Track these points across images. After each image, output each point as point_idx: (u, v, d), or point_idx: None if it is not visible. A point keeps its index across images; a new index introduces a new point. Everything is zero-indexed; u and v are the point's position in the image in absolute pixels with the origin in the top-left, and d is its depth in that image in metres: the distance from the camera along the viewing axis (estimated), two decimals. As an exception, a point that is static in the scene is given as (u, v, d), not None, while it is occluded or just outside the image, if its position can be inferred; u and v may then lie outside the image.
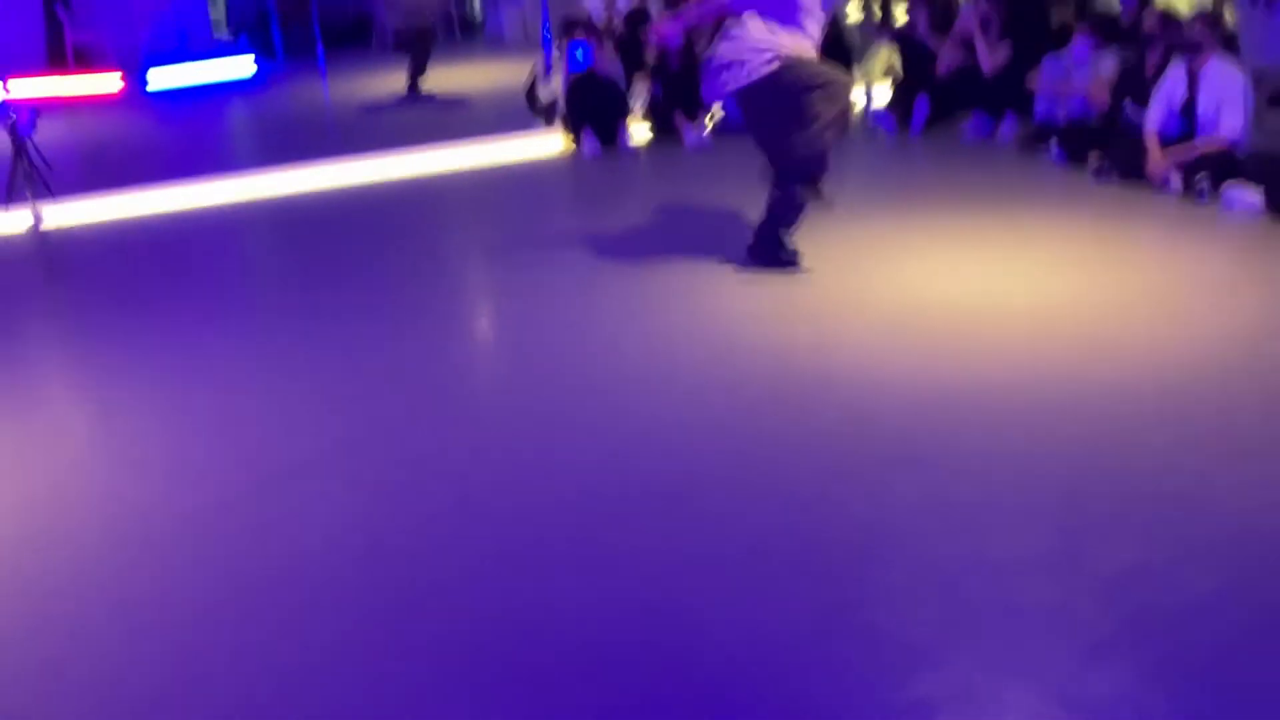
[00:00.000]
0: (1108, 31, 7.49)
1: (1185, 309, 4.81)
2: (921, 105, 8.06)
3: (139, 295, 5.84)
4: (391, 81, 11.34)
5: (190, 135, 10.63)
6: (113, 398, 4.61)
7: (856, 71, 9.00)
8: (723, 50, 5.27)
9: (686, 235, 6.14)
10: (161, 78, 12.21)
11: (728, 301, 5.18)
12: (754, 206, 5.80)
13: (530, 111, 8.99)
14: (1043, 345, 4.48)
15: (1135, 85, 6.75)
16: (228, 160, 9.12)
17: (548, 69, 8.69)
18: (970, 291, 5.09)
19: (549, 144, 8.38)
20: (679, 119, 8.17)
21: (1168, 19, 6.93)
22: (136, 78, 12.11)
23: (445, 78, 11.25)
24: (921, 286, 5.17)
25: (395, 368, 4.72)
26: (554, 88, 8.50)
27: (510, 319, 5.38)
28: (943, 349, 4.50)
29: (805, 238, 5.52)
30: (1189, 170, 6.10)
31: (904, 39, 8.54)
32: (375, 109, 10.60)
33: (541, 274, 5.74)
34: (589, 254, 5.96)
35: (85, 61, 12.44)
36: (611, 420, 4.09)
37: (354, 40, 13.86)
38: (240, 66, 12.62)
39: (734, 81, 5.22)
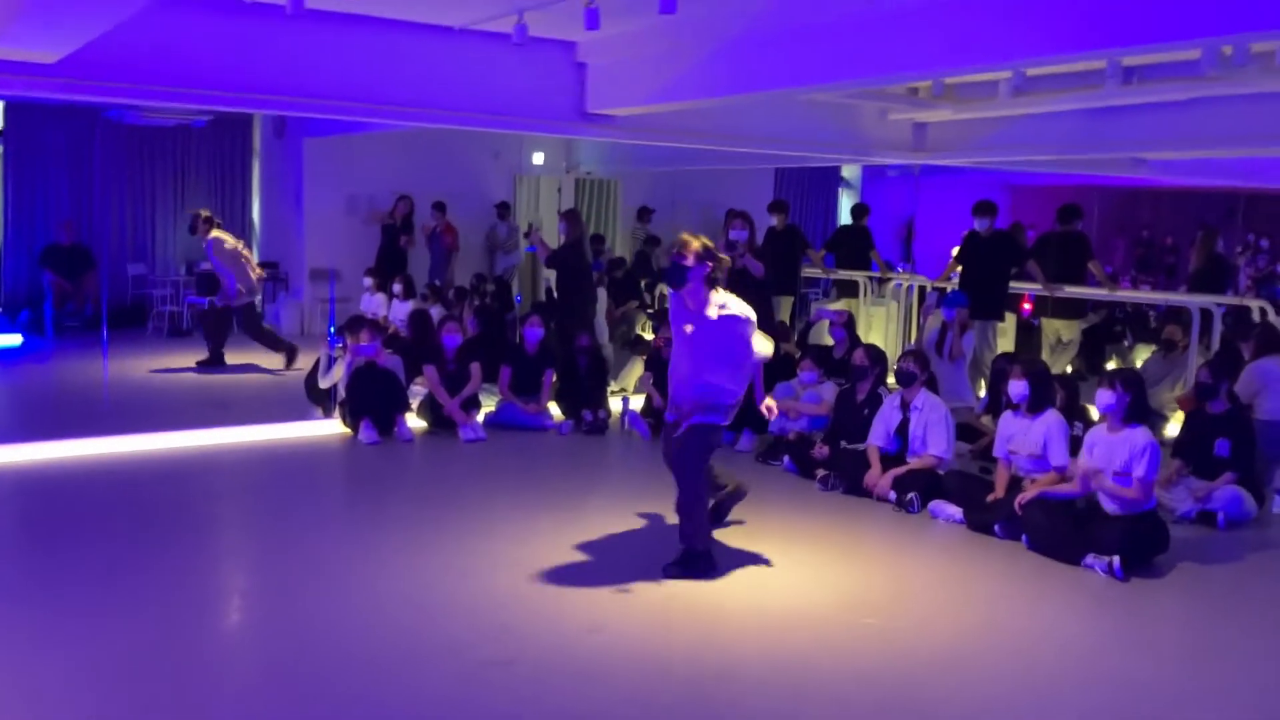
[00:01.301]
0: (825, 363, 8.14)
1: (903, 603, 5.05)
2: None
3: None
4: (168, 361, 10.92)
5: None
6: None
7: (613, 383, 9.36)
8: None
9: (457, 519, 5.99)
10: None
11: (495, 582, 5.04)
12: (522, 491, 5.70)
13: (309, 399, 8.74)
14: (783, 634, 4.59)
15: (848, 410, 7.28)
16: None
17: (331, 360, 8.54)
18: (721, 583, 5.15)
19: (328, 430, 8.14)
20: (456, 412, 8.13)
21: (874, 353, 7.60)
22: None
23: (227, 359, 10.89)
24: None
25: (158, 642, 4.26)
26: (335, 377, 8.34)
27: (276, 594, 4.95)
28: (695, 633, 4.57)
29: (555, 524, 5.46)
30: (901, 485, 6.55)
31: (654, 359, 8.96)
32: (152, 387, 10.02)
33: (311, 552, 5.44)
34: (361, 534, 5.72)
35: None
36: (378, 696, 3.82)
37: (130, 323, 13.30)
38: (6, 340, 11.78)
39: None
